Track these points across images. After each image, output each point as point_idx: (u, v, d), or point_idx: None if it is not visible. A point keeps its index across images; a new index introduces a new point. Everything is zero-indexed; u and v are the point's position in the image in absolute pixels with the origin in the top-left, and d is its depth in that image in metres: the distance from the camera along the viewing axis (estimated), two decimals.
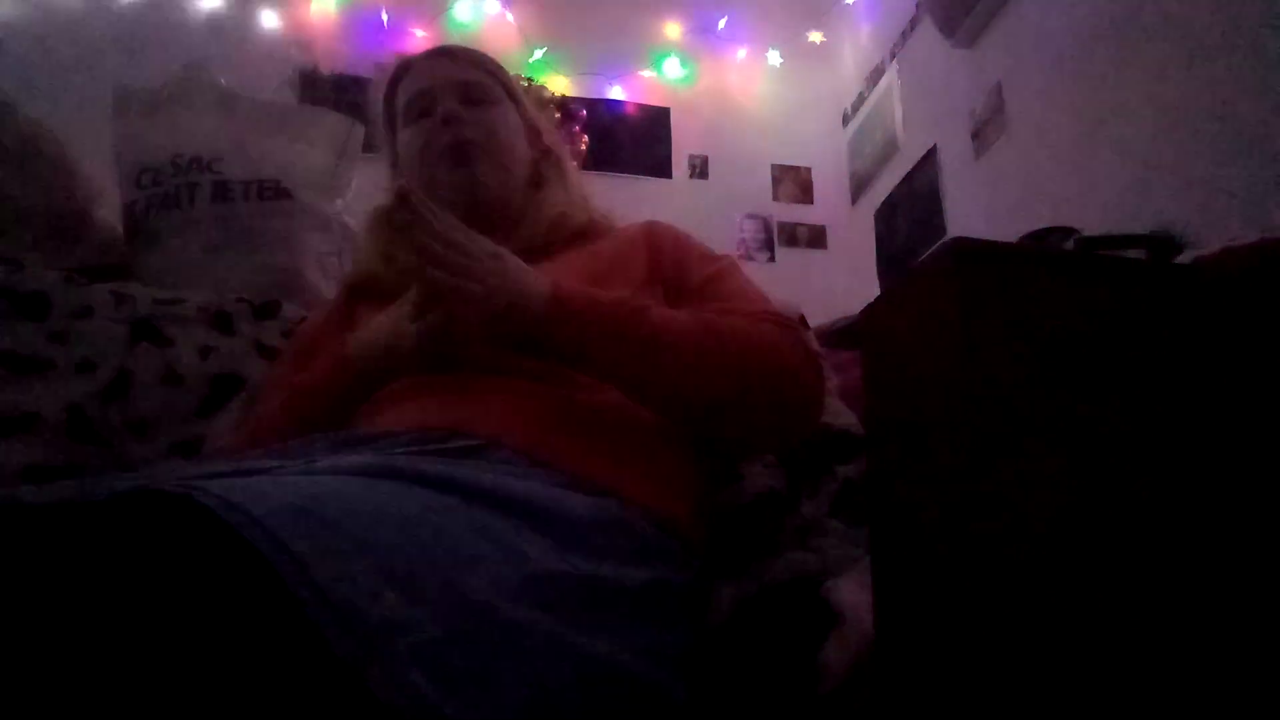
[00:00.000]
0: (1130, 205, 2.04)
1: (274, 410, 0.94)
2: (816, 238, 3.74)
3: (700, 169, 3.72)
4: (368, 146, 1.44)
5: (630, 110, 3.69)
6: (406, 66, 1.11)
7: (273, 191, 1.42)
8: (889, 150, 3.35)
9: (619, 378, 0.83)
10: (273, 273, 1.38)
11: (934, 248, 0.55)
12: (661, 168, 3.66)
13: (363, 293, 1.07)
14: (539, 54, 3.58)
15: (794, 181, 3.80)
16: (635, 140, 3.65)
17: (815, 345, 1.19)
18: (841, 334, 1.46)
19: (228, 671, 0.42)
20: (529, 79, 3.41)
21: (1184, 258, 1.16)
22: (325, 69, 3.30)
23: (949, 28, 2.84)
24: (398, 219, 0.79)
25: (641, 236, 1.03)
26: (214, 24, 3.27)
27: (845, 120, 3.78)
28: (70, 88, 2.30)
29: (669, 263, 0.99)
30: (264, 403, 1.04)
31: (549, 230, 1.04)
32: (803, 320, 1.23)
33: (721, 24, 3.83)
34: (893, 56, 3.37)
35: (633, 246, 1.01)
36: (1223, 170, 1.80)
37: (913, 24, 3.23)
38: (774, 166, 3.79)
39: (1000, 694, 0.47)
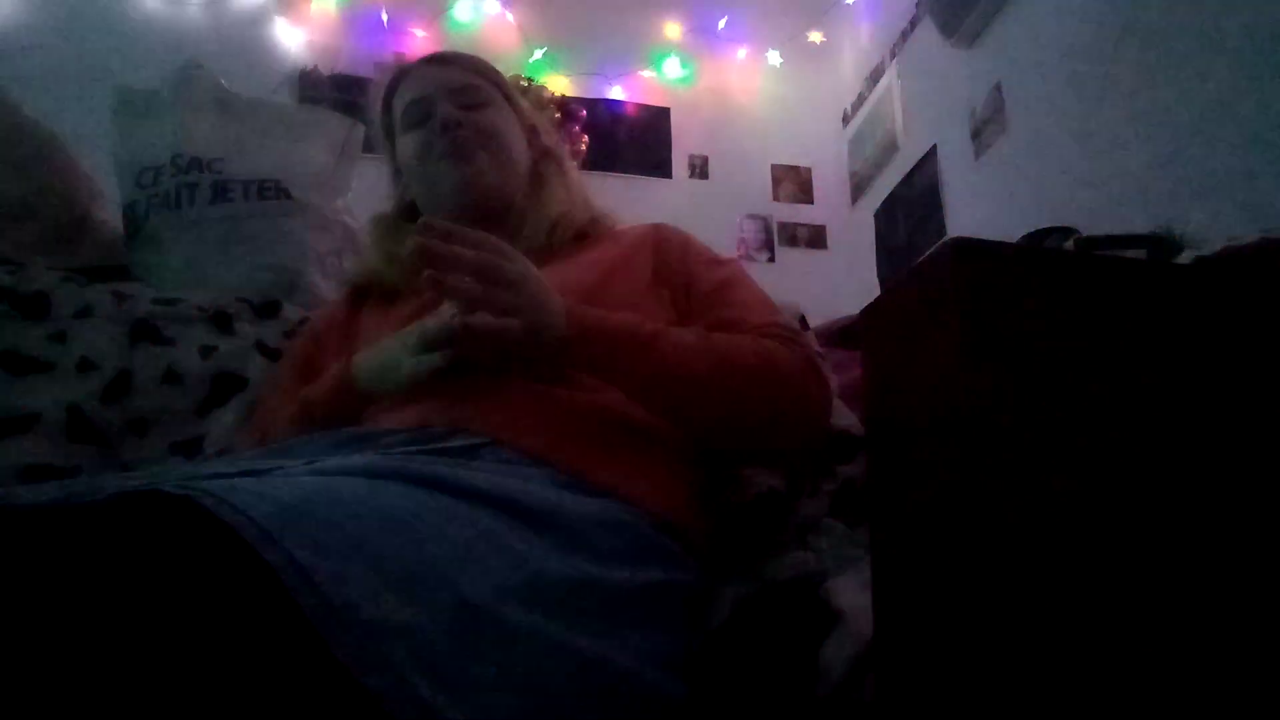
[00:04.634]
0: (1130, 205, 2.03)
1: (281, 423, 0.94)
2: (816, 238, 3.74)
3: (700, 169, 3.72)
4: (368, 146, 1.44)
5: (630, 110, 3.69)
6: (401, 74, 1.11)
7: (273, 191, 1.42)
8: (889, 150, 3.34)
9: (629, 397, 0.84)
10: (273, 273, 1.37)
11: (934, 248, 0.55)
12: (661, 168, 3.66)
13: (367, 292, 1.07)
14: (539, 54, 3.57)
15: (794, 181, 3.80)
16: (635, 140, 3.65)
17: (816, 347, 1.19)
18: (841, 334, 1.46)
19: (227, 674, 0.42)
20: (529, 79, 3.41)
21: (1184, 258, 1.16)
22: (325, 69, 3.30)
23: (949, 28, 2.84)
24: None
25: (647, 240, 1.03)
26: (214, 24, 3.27)
27: (845, 120, 3.78)
28: (70, 88, 2.30)
29: (676, 268, 0.99)
30: (268, 405, 1.04)
31: (551, 231, 1.04)
32: (803, 320, 1.23)
33: (721, 24, 3.83)
34: (893, 56, 3.37)
35: (638, 250, 1.01)
36: (1223, 170, 1.80)
37: (913, 24, 3.23)
38: (774, 166, 3.79)
39: (1000, 695, 0.46)
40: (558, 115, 3.31)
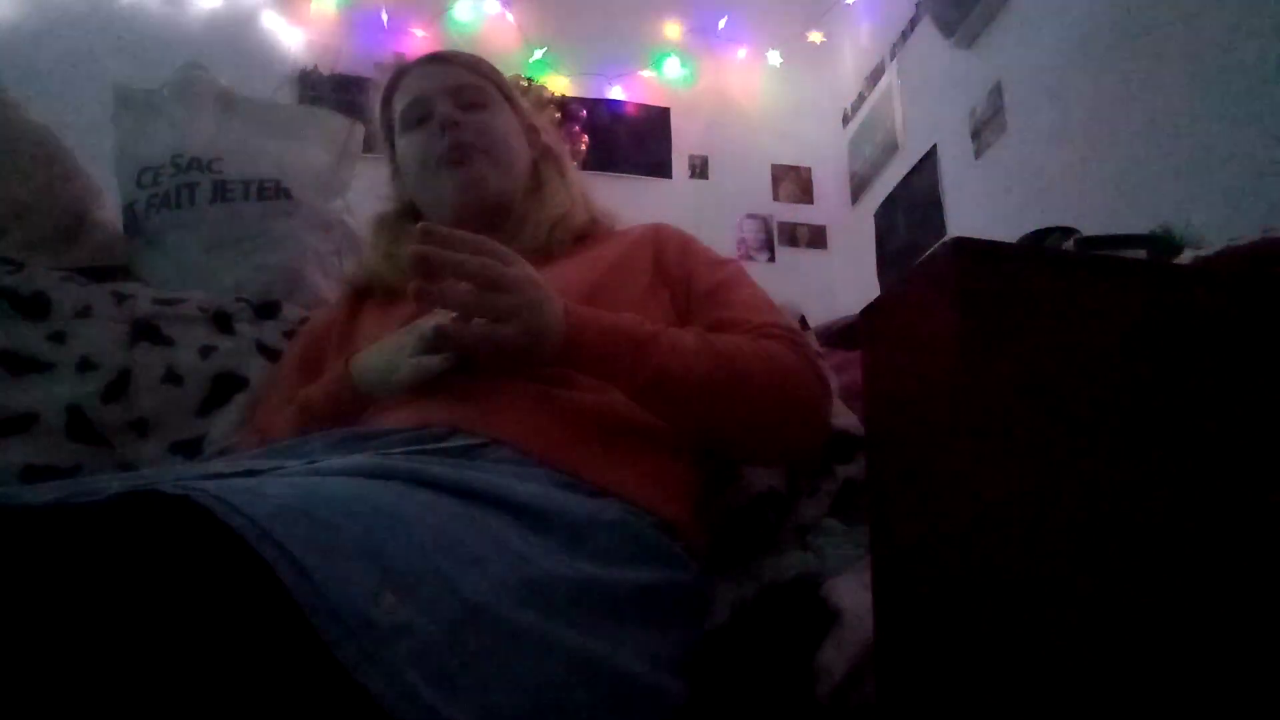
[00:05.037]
0: (1130, 205, 2.03)
1: (281, 423, 0.94)
2: (816, 238, 3.74)
3: (700, 169, 3.72)
4: (368, 146, 1.44)
5: (630, 110, 3.69)
6: (401, 74, 1.11)
7: (273, 191, 1.41)
8: (889, 150, 3.34)
9: (628, 398, 0.84)
10: (273, 273, 1.37)
11: (934, 248, 0.55)
12: (661, 168, 3.66)
13: (367, 292, 1.07)
14: (539, 54, 3.58)
15: (794, 181, 3.80)
16: (635, 140, 3.65)
17: (817, 347, 1.20)
18: (841, 334, 1.46)
19: (226, 674, 0.42)
20: (529, 79, 3.41)
21: (1184, 258, 1.16)
22: (325, 69, 3.30)
23: (949, 28, 2.84)
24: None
25: (647, 240, 1.03)
26: (214, 24, 3.27)
27: (845, 120, 3.78)
28: (70, 88, 2.30)
29: (675, 268, 0.99)
30: (268, 405, 1.04)
31: (551, 231, 1.03)
32: (803, 320, 1.23)
33: (721, 24, 3.83)
34: (893, 56, 3.37)
35: (638, 250, 1.01)
36: (1223, 170, 1.80)
37: (913, 24, 3.23)
38: (774, 166, 3.79)
39: (999, 694, 0.46)
40: (558, 115, 3.31)
